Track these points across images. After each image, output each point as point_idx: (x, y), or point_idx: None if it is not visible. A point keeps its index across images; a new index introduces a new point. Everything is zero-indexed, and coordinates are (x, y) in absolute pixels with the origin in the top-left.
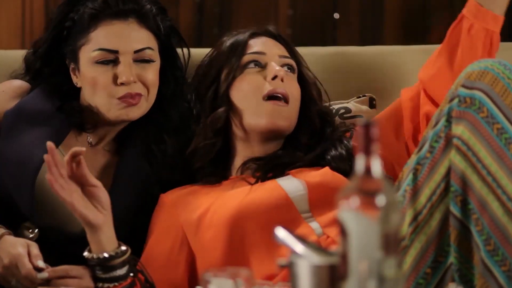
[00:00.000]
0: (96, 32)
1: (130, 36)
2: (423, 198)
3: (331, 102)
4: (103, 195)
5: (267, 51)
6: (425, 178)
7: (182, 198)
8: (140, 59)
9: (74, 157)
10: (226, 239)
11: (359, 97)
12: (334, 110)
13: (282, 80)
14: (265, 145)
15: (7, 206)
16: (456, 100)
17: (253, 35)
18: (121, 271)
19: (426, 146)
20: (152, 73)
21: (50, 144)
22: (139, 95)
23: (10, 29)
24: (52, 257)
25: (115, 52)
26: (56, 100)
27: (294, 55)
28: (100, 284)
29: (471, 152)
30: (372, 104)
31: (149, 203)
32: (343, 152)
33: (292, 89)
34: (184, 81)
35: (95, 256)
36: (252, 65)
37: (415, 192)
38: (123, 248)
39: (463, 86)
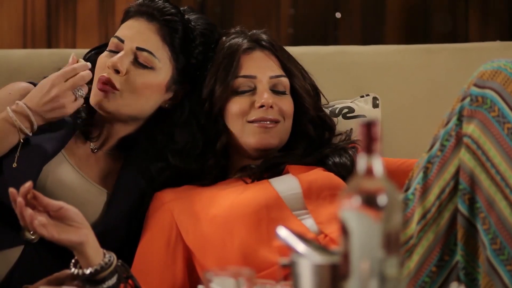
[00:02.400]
0: (124, 23)
1: (140, 33)
2: (432, 196)
3: (334, 102)
4: (72, 211)
5: (258, 73)
6: (435, 177)
7: (177, 195)
8: (140, 60)
9: (26, 195)
10: (220, 237)
11: (363, 96)
12: (337, 110)
13: (271, 107)
14: (261, 157)
15: (9, 207)
16: (467, 99)
17: (246, 51)
18: (111, 281)
19: (437, 145)
20: (141, 77)
21: (12, 190)
22: (111, 83)
23: (12, 29)
24: (54, 259)
25: (122, 41)
26: None
27: (287, 66)
28: None
29: (481, 151)
30: (375, 103)
31: (147, 208)
32: (347, 161)
33: (283, 108)
34: (203, 115)
35: (84, 272)
36: (241, 89)
37: (424, 190)
38: (109, 256)
39: (475, 85)
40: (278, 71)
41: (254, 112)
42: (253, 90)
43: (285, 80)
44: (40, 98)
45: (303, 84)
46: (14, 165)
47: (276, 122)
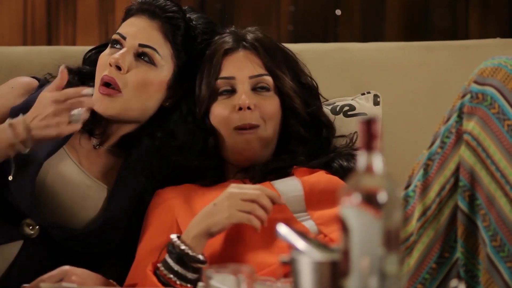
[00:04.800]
0: (125, 21)
1: (142, 30)
2: (432, 193)
3: (335, 99)
4: None
5: (238, 74)
6: (435, 174)
7: (179, 193)
8: (142, 57)
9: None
10: (219, 237)
11: (364, 94)
12: (338, 108)
13: (249, 108)
14: (248, 165)
15: (8, 202)
16: (468, 96)
17: (227, 52)
18: (191, 276)
19: (438, 142)
20: (143, 74)
21: None
22: (114, 82)
23: (12, 26)
24: (53, 254)
25: (124, 38)
26: None
27: (268, 65)
28: (168, 275)
29: (481, 148)
30: (376, 101)
31: (147, 205)
32: (354, 166)
33: (265, 109)
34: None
35: (187, 250)
36: (222, 92)
37: (425, 187)
38: (203, 258)
39: (476, 82)
40: (258, 70)
41: (236, 115)
42: (233, 92)
43: (267, 79)
44: (38, 113)
45: (290, 85)
46: (10, 178)
47: (255, 127)
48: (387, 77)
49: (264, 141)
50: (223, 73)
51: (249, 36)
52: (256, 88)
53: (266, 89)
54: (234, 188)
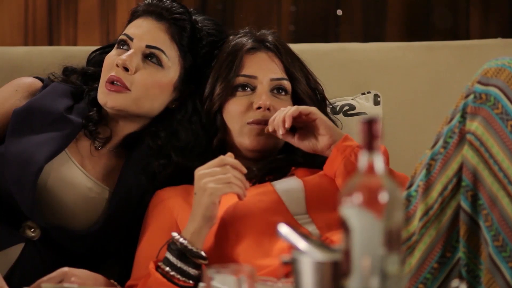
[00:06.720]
0: (132, 22)
1: (149, 31)
2: (435, 193)
3: (335, 99)
4: None
5: (260, 74)
6: (438, 174)
7: (177, 194)
8: (150, 59)
9: None
10: (218, 238)
11: (364, 93)
12: (338, 107)
13: (269, 109)
14: (258, 161)
15: (9, 205)
16: (471, 96)
17: (250, 51)
18: (193, 272)
19: (440, 142)
20: (150, 76)
21: None
22: (121, 82)
23: (13, 26)
24: (54, 256)
25: (131, 39)
26: (68, 101)
27: (289, 70)
28: (170, 272)
29: (484, 148)
30: (376, 101)
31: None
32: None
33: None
34: (204, 113)
35: (186, 244)
36: (241, 88)
37: (427, 187)
38: (204, 254)
39: (479, 82)
40: (279, 73)
41: (252, 113)
42: (253, 90)
43: (286, 83)
44: None
45: (306, 89)
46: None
47: None
48: (388, 77)
49: (279, 140)
50: (245, 71)
51: (270, 38)
52: (274, 90)
53: (284, 92)
54: (201, 170)
